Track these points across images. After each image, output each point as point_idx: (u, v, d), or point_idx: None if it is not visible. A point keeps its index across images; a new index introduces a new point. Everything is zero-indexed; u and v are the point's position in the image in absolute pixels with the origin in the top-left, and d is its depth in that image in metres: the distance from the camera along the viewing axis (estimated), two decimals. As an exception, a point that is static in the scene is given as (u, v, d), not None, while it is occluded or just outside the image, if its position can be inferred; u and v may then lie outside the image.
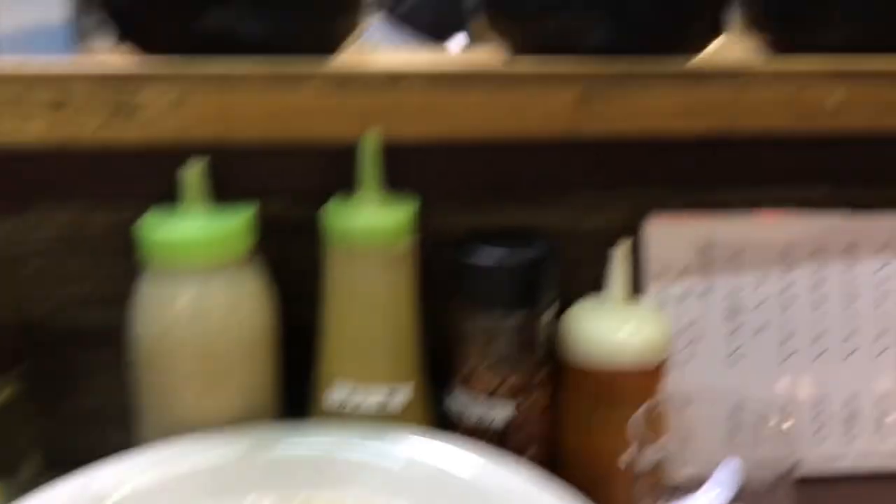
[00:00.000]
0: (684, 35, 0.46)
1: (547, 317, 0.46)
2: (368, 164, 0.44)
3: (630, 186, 0.52)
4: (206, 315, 0.42)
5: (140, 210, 0.44)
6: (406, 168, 0.48)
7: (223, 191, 0.46)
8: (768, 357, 0.53)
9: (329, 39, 0.45)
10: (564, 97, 0.45)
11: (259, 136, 0.43)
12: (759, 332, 0.53)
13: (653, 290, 0.52)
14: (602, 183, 0.52)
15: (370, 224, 0.44)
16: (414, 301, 0.46)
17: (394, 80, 0.44)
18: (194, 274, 0.42)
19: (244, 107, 0.43)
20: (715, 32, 0.46)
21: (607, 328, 0.46)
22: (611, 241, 0.47)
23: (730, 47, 0.53)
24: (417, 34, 1.73)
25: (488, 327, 0.45)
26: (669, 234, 0.52)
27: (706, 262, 0.53)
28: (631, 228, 0.52)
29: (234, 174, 0.47)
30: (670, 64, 0.45)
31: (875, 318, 0.54)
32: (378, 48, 0.68)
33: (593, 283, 0.48)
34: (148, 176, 0.46)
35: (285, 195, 0.49)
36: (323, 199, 0.46)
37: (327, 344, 0.46)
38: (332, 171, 0.47)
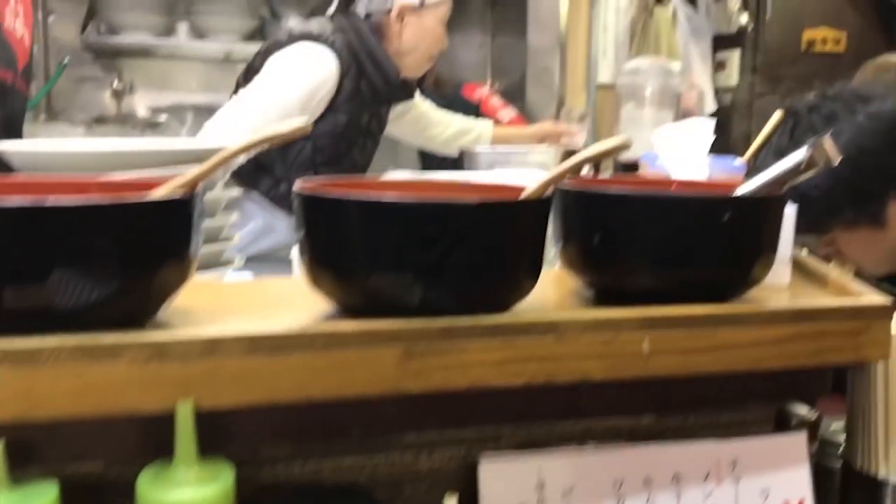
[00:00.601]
0: (501, 292, 0.48)
1: (375, 581, 0.45)
2: (183, 435, 0.43)
3: (462, 427, 0.53)
4: None
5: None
6: (229, 424, 0.47)
7: (30, 454, 0.44)
8: (607, 593, 0.53)
9: (152, 302, 0.44)
10: (387, 356, 0.45)
11: (69, 412, 0.41)
12: (596, 568, 0.53)
13: (489, 531, 0.52)
14: (434, 424, 0.52)
15: (184, 500, 0.42)
16: (233, 576, 0.44)
17: (210, 348, 0.43)
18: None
19: (52, 382, 0.41)
20: (531, 284, 0.48)
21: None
22: (445, 481, 0.46)
23: (549, 292, 0.55)
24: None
25: None
26: (502, 474, 0.52)
27: (541, 499, 0.53)
28: (467, 467, 0.52)
29: (44, 437, 0.45)
30: (488, 319, 0.47)
31: (707, 544, 0.55)
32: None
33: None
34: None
35: (99, 459, 0.46)
36: (141, 460, 0.44)
37: None
38: (150, 433, 0.45)
